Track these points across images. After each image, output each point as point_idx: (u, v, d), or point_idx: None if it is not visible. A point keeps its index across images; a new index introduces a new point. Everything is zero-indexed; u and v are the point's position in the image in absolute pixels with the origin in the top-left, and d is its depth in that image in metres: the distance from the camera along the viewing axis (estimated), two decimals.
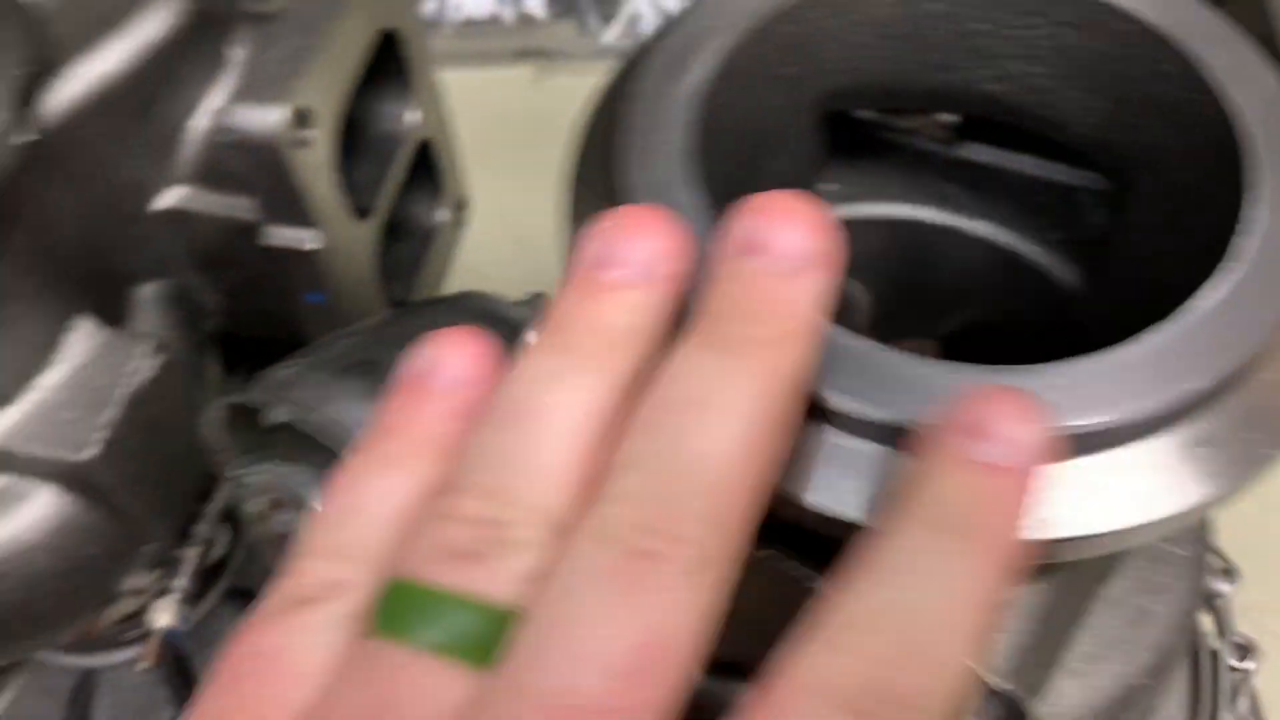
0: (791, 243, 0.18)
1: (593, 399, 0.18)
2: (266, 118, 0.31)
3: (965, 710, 0.17)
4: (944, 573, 0.17)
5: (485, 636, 0.16)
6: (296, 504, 0.28)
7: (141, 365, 0.32)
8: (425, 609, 0.17)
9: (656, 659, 0.16)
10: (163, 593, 0.37)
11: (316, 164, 0.33)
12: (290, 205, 0.33)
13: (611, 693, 0.15)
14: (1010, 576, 0.17)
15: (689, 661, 0.16)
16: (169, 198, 0.34)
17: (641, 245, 0.18)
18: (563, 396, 0.17)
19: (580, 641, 0.16)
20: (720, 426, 0.17)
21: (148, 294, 0.35)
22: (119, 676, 0.43)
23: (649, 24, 0.69)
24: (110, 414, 0.31)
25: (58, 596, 0.33)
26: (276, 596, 0.18)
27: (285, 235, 0.34)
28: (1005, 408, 0.17)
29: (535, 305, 0.29)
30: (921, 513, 0.17)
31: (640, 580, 0.16)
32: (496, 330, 0.20)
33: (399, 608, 0.17)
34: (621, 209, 0.19)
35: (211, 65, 0.34)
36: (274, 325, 0.38)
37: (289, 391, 0.25)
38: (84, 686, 0.44)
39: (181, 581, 0.37)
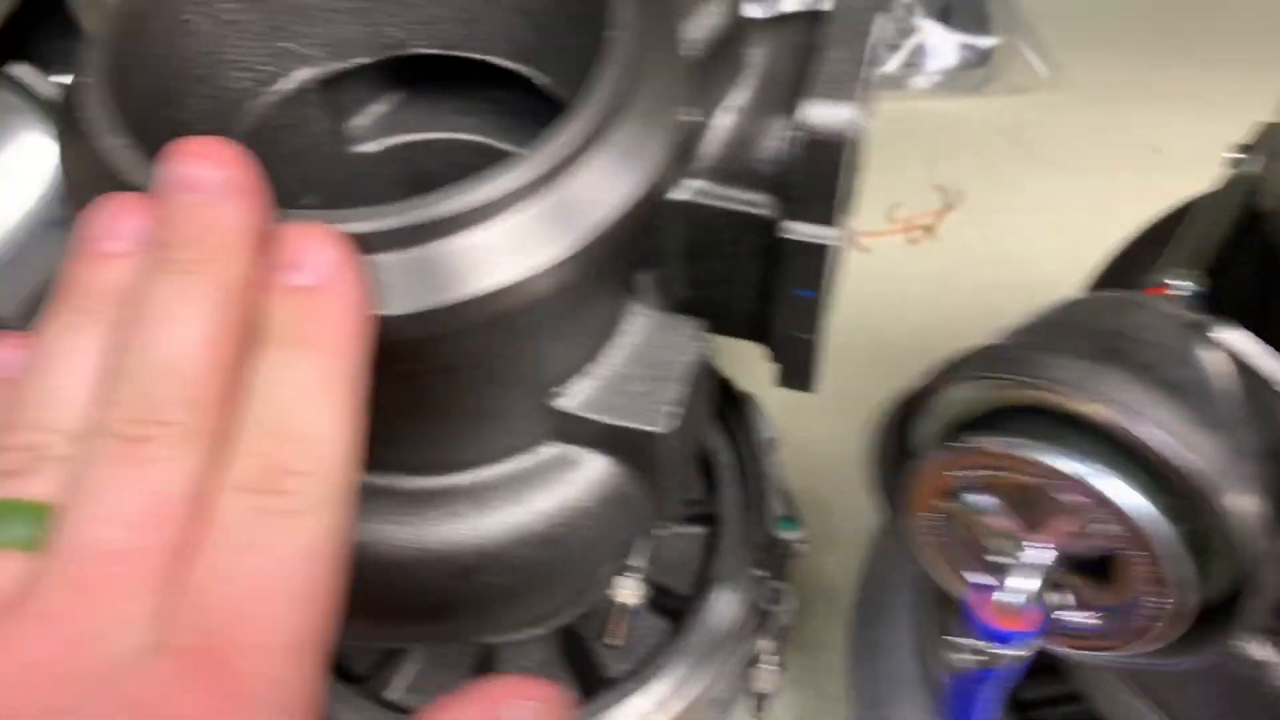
0: (210, 175, 0.23)
1: (97, 340, 0.22)
2: (839, 115, 0.32)
3: (351, 474, 0.22)
4: (293, 374, 0.22)
5: (32, 529, 0.21)
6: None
7: (690, 346, 0.33)
8: None
9: (162, 509, 0.21)
10: (624, 570, 0.38)
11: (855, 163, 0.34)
12: (823, 202, 0.34)
13: (131, 539, 0.20)
14: (355, 361, 0.23)
15: (187, 505, 0.21)
16: (685, 190, 0.35)
17: (127, 221, 0.23)
18: (74, 343, 0.23)
19: (99, 508, 0.21)
20: (180, 330, 0.22)
21: (644, 281, 0.37)
22: (518, 654, 0.45)
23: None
24: (676, 390, 0.32)
25: (588, 565, 0.35)
26: None
27: (807, 231, 0.35)
28: (307, 241, 0.23)
29: None
30: (270, 336, 0.22)
31: (137, 456, 0.21)
32: None
33: None
34: (110, 195, 0.24)
35: (734, 68, 0.35)
36: (725, 317, 0.39)
37: (1042, 372, 0.26)
38: (486, 661, 0.45)
39: (642, 561, 0.38)
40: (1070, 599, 0.28)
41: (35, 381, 0.23)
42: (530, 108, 0.37)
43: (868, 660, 0.46)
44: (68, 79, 0.32)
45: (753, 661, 0.44)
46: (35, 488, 0.22)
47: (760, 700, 0.45)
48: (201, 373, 0.22)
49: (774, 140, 0.35)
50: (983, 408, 0.28)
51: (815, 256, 0.35)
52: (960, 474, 0.28)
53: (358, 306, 0.23)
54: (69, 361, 0.23)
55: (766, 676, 0.44)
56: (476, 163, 0.37)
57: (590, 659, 0.43)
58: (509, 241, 0.25)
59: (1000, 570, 0.28)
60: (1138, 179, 0.74)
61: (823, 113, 0.32)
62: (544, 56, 0.33)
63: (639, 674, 0.42)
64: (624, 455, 0.33)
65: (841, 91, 0.33)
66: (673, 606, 0.45)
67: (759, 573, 0.45)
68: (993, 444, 0.26)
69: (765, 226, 0.35)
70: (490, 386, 0.30)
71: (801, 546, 0.47)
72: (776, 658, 0.44)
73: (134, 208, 0.24)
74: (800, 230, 0.35)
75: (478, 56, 0.34)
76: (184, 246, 0.22)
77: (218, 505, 0.21)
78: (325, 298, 0.23)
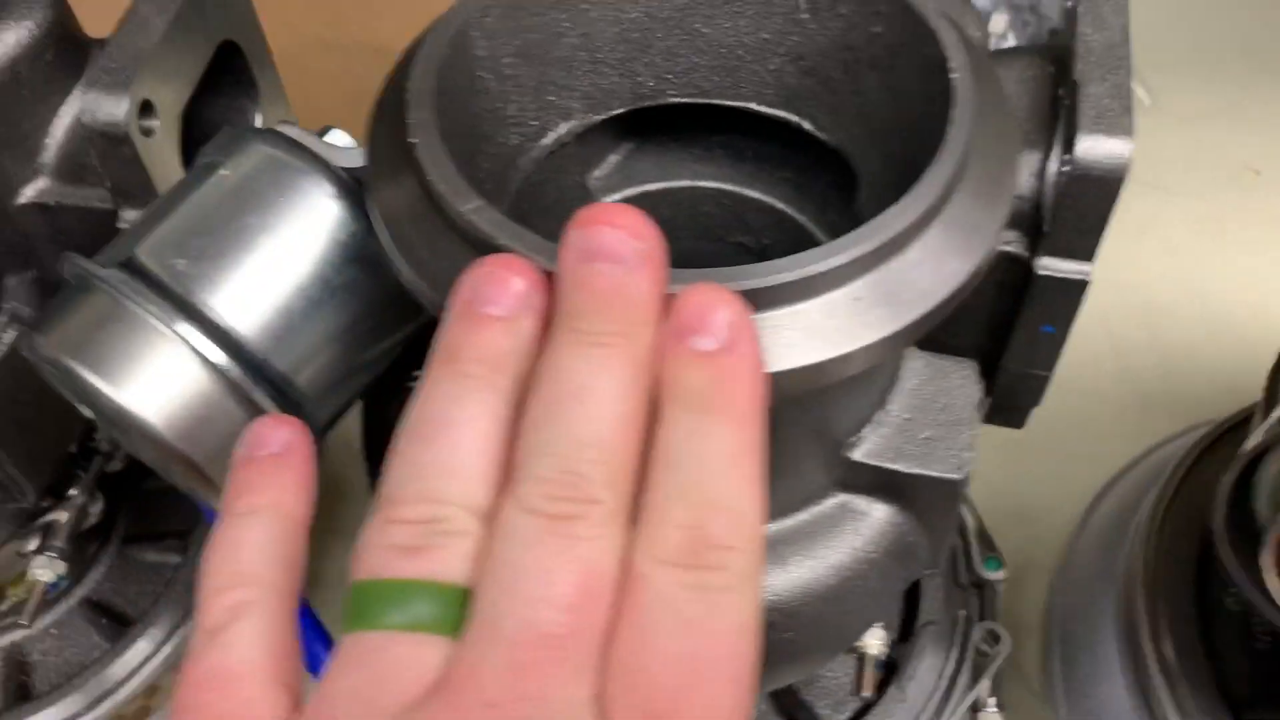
0: (626, 245, 0.22)
1: (490, 410, 0.22)
2: (1116, 149, 0.32)
3: (763, 549, 0.21)
4: (710, 444, 0.21)
5: (447, 609, 0.20)
6: None
7: (971, 387, 0.33)
8: (390, 598, 0.20)
9: (595, 589, 0.20)
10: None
11: None
12: (1088, 236, 0.33)
13: (566, 621, 0.20)
14: (760, 426, 0.22)
15: (617, 585, 0.20)
16: None
17: (512, 284, 0.22)
18: (468, 412, 0.22)
19: (531, 590, 0.20)
20: (601, 408, 0.21)
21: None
22: None
23: None
24: (967, 434, 0.32)
25: (866, 617, 0.34)
26: None
27: (1066, 267, 0.34)
28: (710, 302, 0.22)
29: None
30: (681, 403, 0.21)
31: (567, 535, 0.20)
32: None
33: (366, 603, 0.21)
34: (491, 257, 0.23)
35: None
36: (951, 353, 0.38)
37: None
38: None
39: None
40: None
41: (426, 451, 0.22)
42: (768, 152, 0.36)
43: (1078, 694, 0.45)
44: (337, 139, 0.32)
45: (976, 708, 0.43)
46: (442, 566, 0.21)
47: None
48: (622, 449, 0.21)
49: (1024, 177, 0.34)
50: None
51: (1072, 292, 0.35)
52: None
53: (760, 368, 0.22)
54: (463, 431, 0.22)
55: None
56: (716, 210, 0.37)
57: (807, 710, 0.42)
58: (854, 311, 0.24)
59: None
60: (1240, 200, 0.75)
61: (1097, 147, 0.32)
62: (814, 103, 0.33)
63: None
64: (908, 502, 0.32)
65: (1115, 126, 0.32)
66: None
67: (965, 613, 0.44)
68: None
69: (1014, 263, 0.35)
70: (792, 441, 0.30)
71: (1001, 585, 0.46)
72: (996, 700, 0.43)
73: (518, 270, 0.23)
74: (1059, 267, 0.34)
75: (738, 104, 0.33)
76: (600, 318, 0.22)
77: (646, 582, 0.20)
78: (731, 361, 0.22)
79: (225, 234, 0.29)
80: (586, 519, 0.20)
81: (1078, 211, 0.33)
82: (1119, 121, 0.32)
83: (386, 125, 0.27)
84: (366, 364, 0.31)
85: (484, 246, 0.24)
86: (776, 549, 0.31)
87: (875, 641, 0.37)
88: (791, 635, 0.32)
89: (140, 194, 0.34)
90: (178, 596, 0.48)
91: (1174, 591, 0.43)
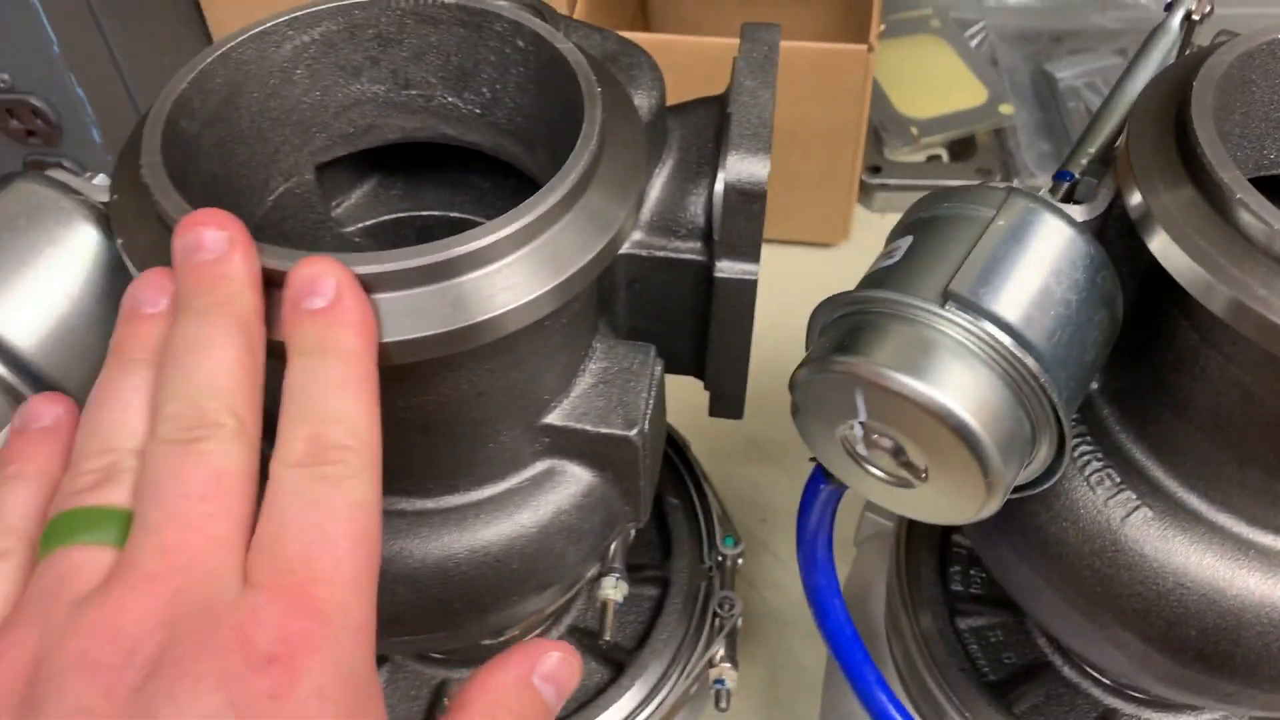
0: (215, 237, 0.28)
1: (147, 381, 0.28)
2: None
3: (378, 450, 0.27)
4: (323, 375, 0.27)
5: (115, 524, 0.26)
6: None
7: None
8: (70, 524, 0.26)
9: (225, 483, 0.26)
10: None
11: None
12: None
13: (202, 509, 0.25)
14: (369, 365, 0.28)
15: (247, 482, 0.26)
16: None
17: (165, 286, 0.29)
18: (130, 383, 0.28)
19: (170, 490, 0.25)
20: (213, 356, 0.27)
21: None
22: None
23: None
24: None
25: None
26: None
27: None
28: (318, 271, 0.28)
29: None
30: (299, 350, 0.28)
31: (197, 451, 0.26)
32: None
33: (53, 532, 0.26)
34: (147, 271, 0.30)
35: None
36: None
37: None
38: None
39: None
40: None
41: (98, 415, 0.28)
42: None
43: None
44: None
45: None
46: (113, 496, 0.26)
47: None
48: (237, 385, 0.27)
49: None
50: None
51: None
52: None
53: (365, 320, 0.28)
54: (124, 398, 0.28)
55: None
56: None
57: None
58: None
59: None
60: None
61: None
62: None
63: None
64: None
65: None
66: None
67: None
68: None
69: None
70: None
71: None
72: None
73: (164, 276, 0.29)
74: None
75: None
76: (205, 293, 0.28)
77: (280, 482, 0.26)
78: (338, 312, 0.28)
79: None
80: (212, 438, 0.26)
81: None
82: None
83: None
84: None
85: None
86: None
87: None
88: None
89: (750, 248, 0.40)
90: (662, 638, 0.50)
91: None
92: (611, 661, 0.50)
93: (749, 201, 0.40)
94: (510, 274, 0.31)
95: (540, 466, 0.39)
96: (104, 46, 0.61)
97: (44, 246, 0.34)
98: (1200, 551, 0.36)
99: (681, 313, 0.44)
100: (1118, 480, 0.37)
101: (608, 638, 0.44)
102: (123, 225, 0.33)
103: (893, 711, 0.41)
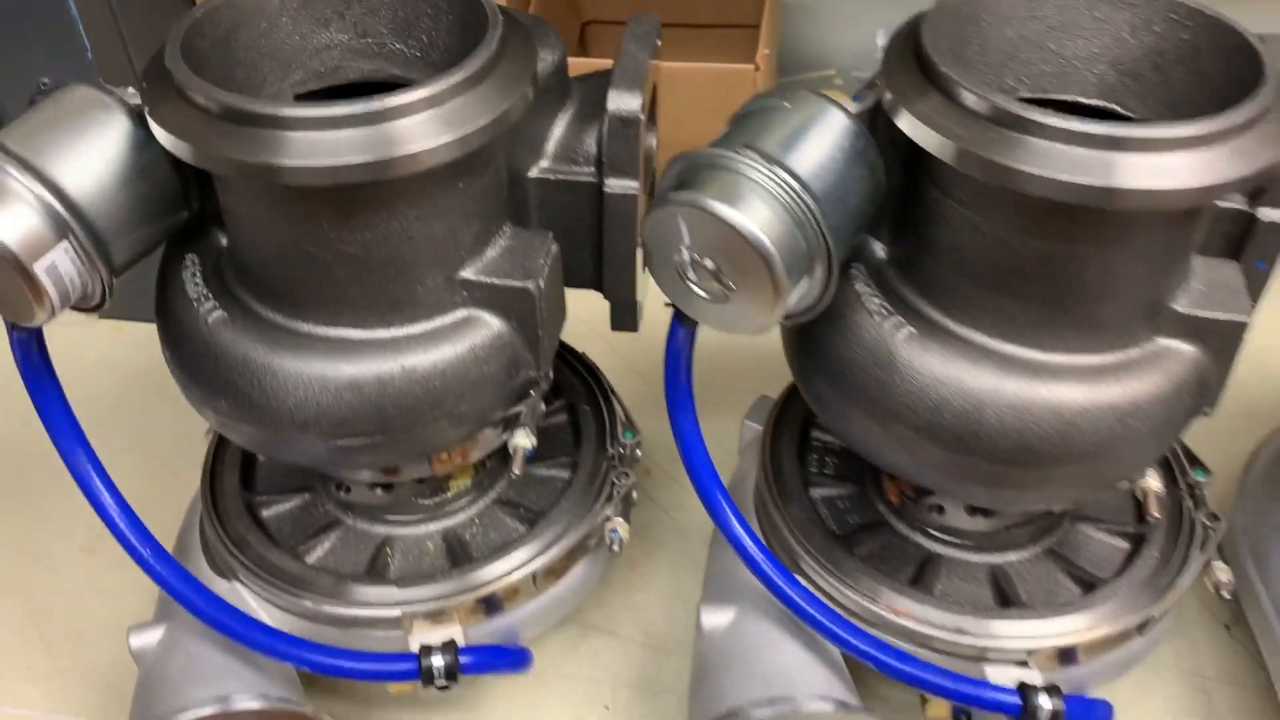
0: None
1: None
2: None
3: None
4: None
5: None
6: None
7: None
8: None
9: None
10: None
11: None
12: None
13: None
14: None
15: None
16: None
17: None
18: None
19: None
20: None
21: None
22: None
23: None
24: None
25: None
26: None
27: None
28: None
29: None
30: None
31: None
32: None
33: None
34: None
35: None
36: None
37: None
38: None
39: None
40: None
41: None
42: None
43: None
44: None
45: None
46: None
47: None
48: None
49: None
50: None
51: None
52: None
53: None
54: None
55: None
56: None
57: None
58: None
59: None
60: None
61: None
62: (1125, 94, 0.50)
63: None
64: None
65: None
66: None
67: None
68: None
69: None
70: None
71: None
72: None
73: None
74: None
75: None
76: None
77: None
78: None
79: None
80: None
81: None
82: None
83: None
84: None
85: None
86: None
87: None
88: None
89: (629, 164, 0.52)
90: (568, 504, 0.61)
91: None
92: (527, 521, 0.61)
93: (627, 127, 0.52)
94: (422, 126, 0.43)
95: (461, 314, 0.51)
96: (123, 51, 0.75)
97: (93, 126, 0.47)
98: (951, 357, 0.47)
99: (582, 229, 0.56)
100: (892, 311, 0.49)
101: (517, 471, 0.55)
102: (151, 100, 0.45)
103: (726, 509, 0.52)
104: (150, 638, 0.57)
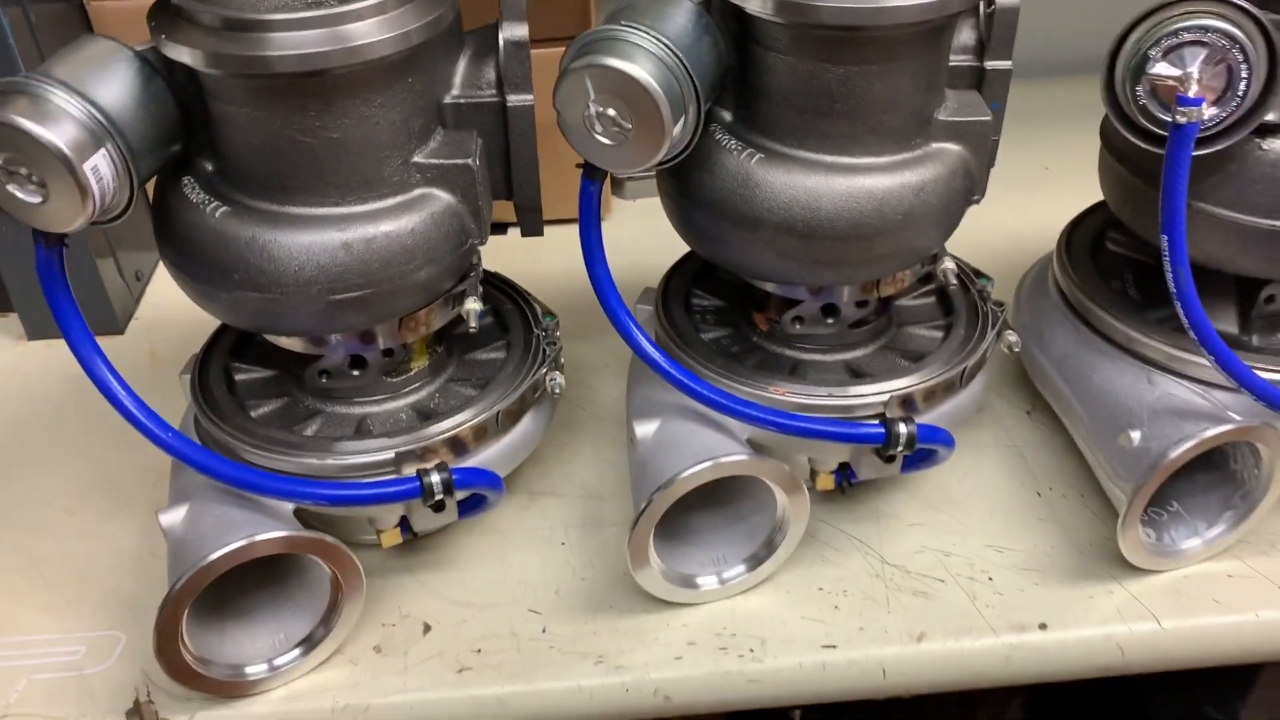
0: None
1: None
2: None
3: None
4: None
5: None
6: None
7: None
8: None
9: None
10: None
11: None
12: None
13: None
14: None
15: None
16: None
17: None
18: None
19: None
20: None
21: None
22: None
23: None
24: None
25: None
26: None
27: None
28: None
29: None
30: None
31: None
32: None
33: None
34: None
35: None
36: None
37: None
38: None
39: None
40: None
41: None
42: None
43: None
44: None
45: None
46: None
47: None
48: None
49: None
50: None
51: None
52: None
53: None
54: None
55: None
56: None
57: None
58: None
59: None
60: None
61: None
62: None
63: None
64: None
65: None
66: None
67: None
68: None
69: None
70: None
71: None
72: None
73: None
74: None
75: None
76: None
77: None
78: None
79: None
80: None
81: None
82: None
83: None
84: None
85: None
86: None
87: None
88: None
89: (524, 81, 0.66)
90: (511, 370, 0.75)
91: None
92: (477, 385, 0.74)
93: (520, 49, 0.68)
94: (374, 26, 0.58)
95: (418, 191, 0.65)
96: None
97: (111, 63, 0.59)
98: (793, 169, 0.65)
99: (492, 144, 0.71)
100: (744, 147, 0.66)
101: (473, 326, 0.68)
102: (163, 29, 0.58)
103: (640, 338, 0.67)
104: (177, 515, 0.66)
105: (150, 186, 0.65)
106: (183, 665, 0.64)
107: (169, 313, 1.02)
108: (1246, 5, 0.60)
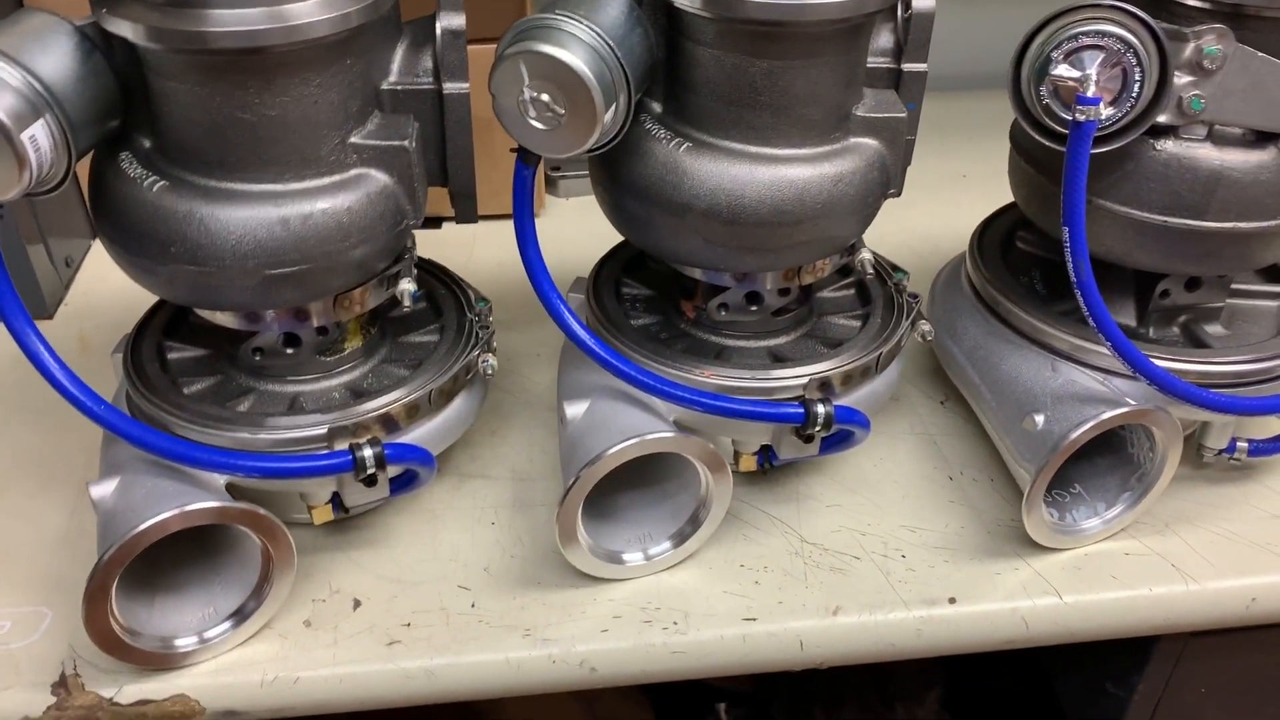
0: None
1: None
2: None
3: None
4: None
5: None
6: None
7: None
8: None
9: None
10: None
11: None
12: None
13: None
14: None
15: None
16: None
17: None
18: None
19: None
20: None
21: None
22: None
23: None
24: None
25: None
26: None
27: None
28: None
29: None
30: None
31: None
32: None
33: None
34: None
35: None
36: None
37: None
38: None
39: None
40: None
41: None
42: None
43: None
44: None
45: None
46: None
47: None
48: None
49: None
50: None
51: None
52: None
53: None
54: None
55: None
56: None
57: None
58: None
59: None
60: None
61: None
62: None
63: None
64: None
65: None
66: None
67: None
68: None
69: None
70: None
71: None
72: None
73: None
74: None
75: None
76: None
77: None
78: None
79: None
80: None
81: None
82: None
83: None
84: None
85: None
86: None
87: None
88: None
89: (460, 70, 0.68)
90: (444, 351, 0.76)
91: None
92: (410, 366, 0.76)
93: (456, 39, 0.70)
94: (308, 8, 0.60)
95: (355, 171, 0.66)
96: None
97: (50, 36, 0.60)
98: (719, 159, 0.67)
99: (428, 131, 0.73)
100: (673, 136, 0.69)
101: (407, 305, 0.70)
102: (97, 3, 0.59)
103: (571, 320, 0.69)
104: (108, 487, 0.67)
105: (84, 166, 0.66)
106: (111, 636, 0.64)
107: (99, 299, 1.02)
108: (1139, 12, 0.65)
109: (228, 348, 0.75)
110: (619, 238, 0.81)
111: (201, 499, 0.64)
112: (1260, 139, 0.71)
